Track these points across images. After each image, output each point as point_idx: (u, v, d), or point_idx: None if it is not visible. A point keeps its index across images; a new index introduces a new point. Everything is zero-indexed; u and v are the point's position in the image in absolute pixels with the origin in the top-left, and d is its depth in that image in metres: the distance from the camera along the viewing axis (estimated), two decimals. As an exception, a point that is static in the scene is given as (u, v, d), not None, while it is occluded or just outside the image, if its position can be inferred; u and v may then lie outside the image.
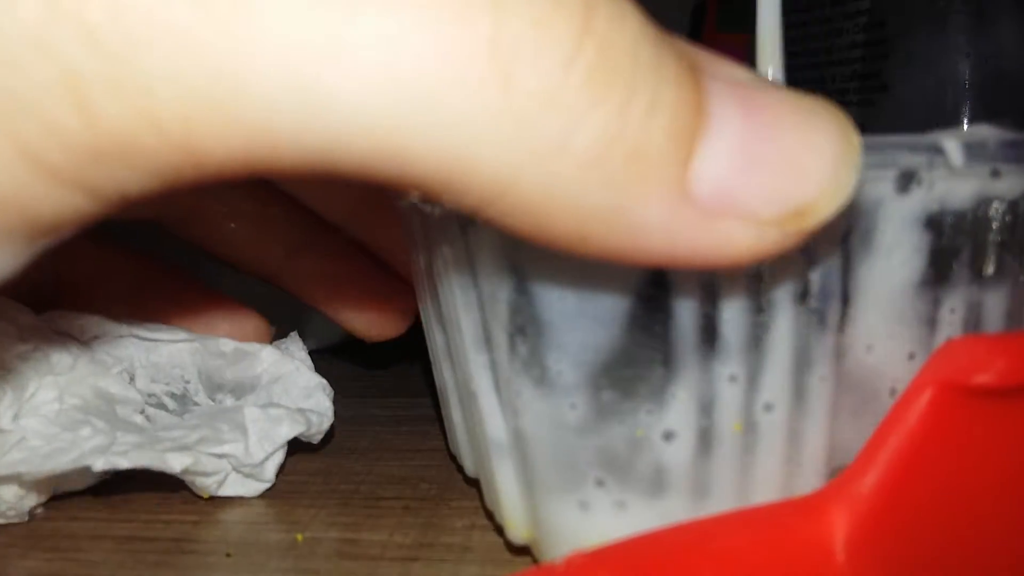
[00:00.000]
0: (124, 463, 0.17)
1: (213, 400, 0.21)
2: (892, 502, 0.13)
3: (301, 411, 0.20)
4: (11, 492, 0.18)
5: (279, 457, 0.20)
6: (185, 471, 0.18)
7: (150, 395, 0.21)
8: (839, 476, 0.14)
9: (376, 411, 0.26)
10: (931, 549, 0.14)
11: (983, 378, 0.13)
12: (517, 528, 0.16)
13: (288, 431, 0.19)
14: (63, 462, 0.17)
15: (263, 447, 0.19)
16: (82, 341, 0.20)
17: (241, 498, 0.20)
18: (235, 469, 0.19)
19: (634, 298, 0.13)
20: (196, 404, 0.21)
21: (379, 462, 0.22)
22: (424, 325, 0.18)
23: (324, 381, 0.21)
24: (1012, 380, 0.13)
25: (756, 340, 0.14)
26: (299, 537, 0.18)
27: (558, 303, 0.13)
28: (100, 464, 0.17)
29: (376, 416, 0.26)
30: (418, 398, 0.27)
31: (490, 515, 0.18)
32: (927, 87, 0.29)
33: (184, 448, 0.18)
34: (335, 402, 0.21)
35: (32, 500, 0.18)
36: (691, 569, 0.13)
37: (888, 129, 0.31)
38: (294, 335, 0.23)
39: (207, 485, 0.19)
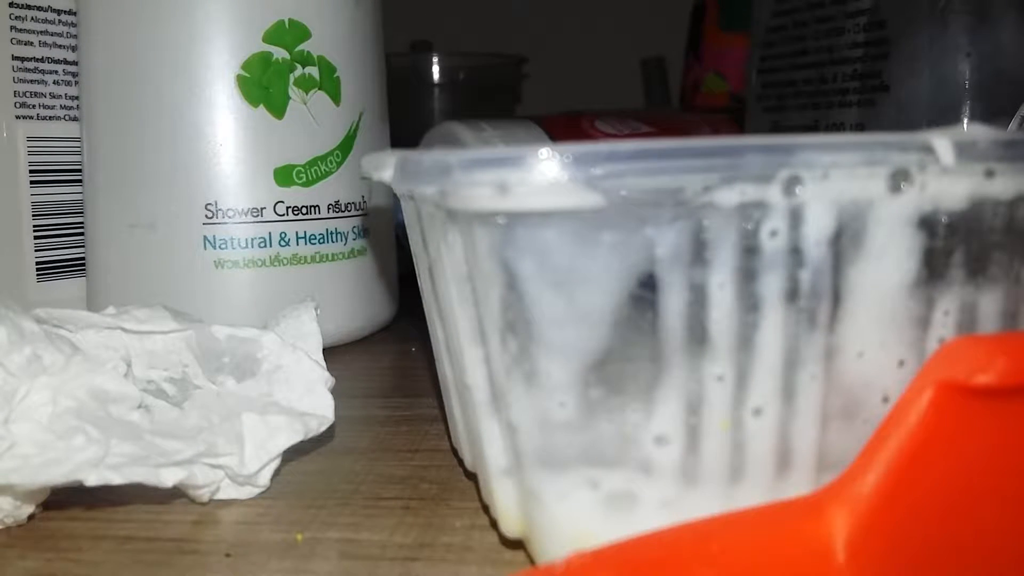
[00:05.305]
0: (117, 479, 0.17)
1: (214, 383, 0.21)
2: (892, 502, 0.13)
3: (301, 416, 0.20)
4: (7, 501, 0.18)
5: (275, 464, 0.20)
6: (178, 485, 0.18)
7: (149, 382, 0.21)
8: (839, 476, 0.14)
9: (376, 411, 0.26)
10: (931, 549, 0.14)
11: (983, 378, 0.13)
12: (510, 522, 0.16)
13: (285, 441, 0.19)
14: (56, 475, 0.17)
15: (259, 458, 0.19)
16: (73, 337, 0.20)
17: (240, 498, 0.20)
18: (229, 478, 0.19)
19: (623, 297, 0.13)
20: (197, 387, 0.21)
21: (379, 462, 0.22)
22: (427, 320, 0.18)
23: (327, 374, 0.21)
24: (1012, 380, 0.13)
25: (745, 339, 0.14)
26: (299, 537, 0.18)
27: (548, 302, 0.13)
28: (92, 479, 0.17)
29: (376, 416, 0.26)
30: (418, 398, 0.27)
31: (487, 510, 0.18)
32: (927, 87, 0.29)
33: (178, 464, 0.18)
34: (335, 402, 0.21)
35: (29, 509, 0.18)
36: (691, 569, 0.13)
37: (888, 129, 0.31)
38: (308, 303, 0.22)
39: (200, 495, 0.19)
